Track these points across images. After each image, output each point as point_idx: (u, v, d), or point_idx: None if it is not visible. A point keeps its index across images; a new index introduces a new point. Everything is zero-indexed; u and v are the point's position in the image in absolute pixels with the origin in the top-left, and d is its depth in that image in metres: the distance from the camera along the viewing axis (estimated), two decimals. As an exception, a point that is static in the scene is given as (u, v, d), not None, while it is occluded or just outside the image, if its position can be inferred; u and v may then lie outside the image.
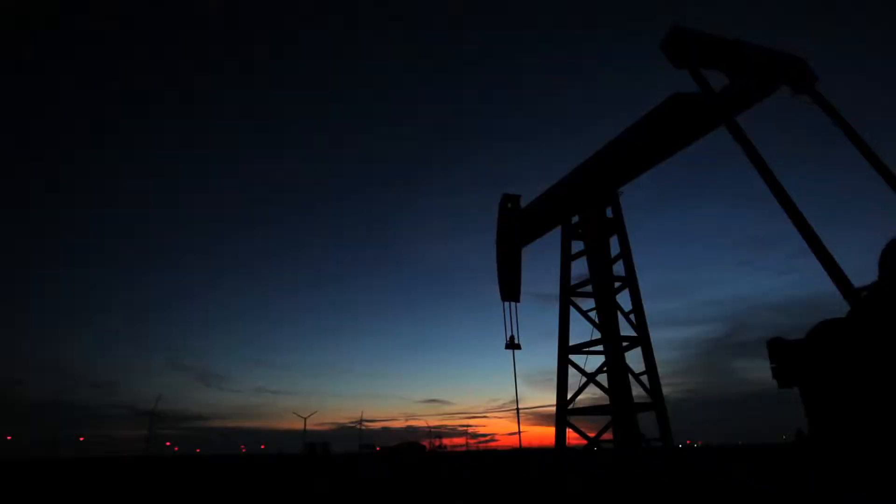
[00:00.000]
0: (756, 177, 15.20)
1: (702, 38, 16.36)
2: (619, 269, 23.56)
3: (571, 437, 24.00)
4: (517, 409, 30.03)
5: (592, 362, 23.68)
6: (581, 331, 24.33)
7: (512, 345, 28.23)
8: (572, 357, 24.39)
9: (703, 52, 16.28)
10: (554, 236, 26.81)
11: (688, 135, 18.72)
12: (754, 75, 16.54)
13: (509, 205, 28.99)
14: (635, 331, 22.78)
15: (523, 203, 28.62)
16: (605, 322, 22.52)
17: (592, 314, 23.47)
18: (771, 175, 14.28)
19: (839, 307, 14.19)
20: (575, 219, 25.34)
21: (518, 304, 28.66)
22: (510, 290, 28.38)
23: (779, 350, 12.61)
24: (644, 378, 22.36)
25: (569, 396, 24.16)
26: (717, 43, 16.57)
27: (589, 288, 23.92)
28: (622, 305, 23.16)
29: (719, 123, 17.04)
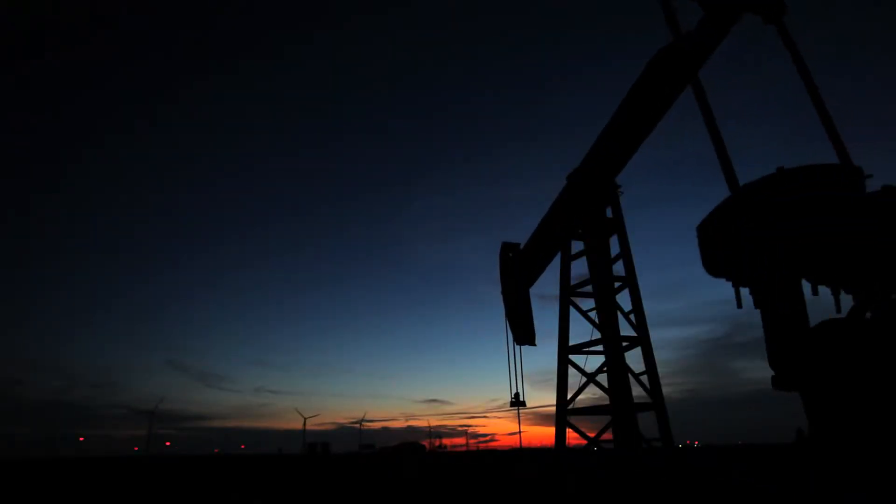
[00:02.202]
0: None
1: None
2: (619, 269, 23.59)
3: (571, 437, 24.06)
4: (518, 410, 30.02)
5: (592, 362, 23.75)
6: (581, 331, 24.36)
7: (517, 402, 27.83)
8: (572, 357, 24.41)
9: None
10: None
11: (677, 80, 18.48)
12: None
13: (510, 254, 28.77)
14: (635, 331, 22.79)
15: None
16: (605, 322, 22.53)
17: (592, 314, 23.48)
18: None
19: (837, 308, 14.22)
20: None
21: (534, 346, 28.16)
22: (524, 334, 27.90)
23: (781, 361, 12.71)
24: (644, 378, 22.39)
25: (569, 396, 24.19)
26: None
27: (589, 288, 23.94)
28: (622, 305, 23.20)
29: (696, 59, 17.30)
